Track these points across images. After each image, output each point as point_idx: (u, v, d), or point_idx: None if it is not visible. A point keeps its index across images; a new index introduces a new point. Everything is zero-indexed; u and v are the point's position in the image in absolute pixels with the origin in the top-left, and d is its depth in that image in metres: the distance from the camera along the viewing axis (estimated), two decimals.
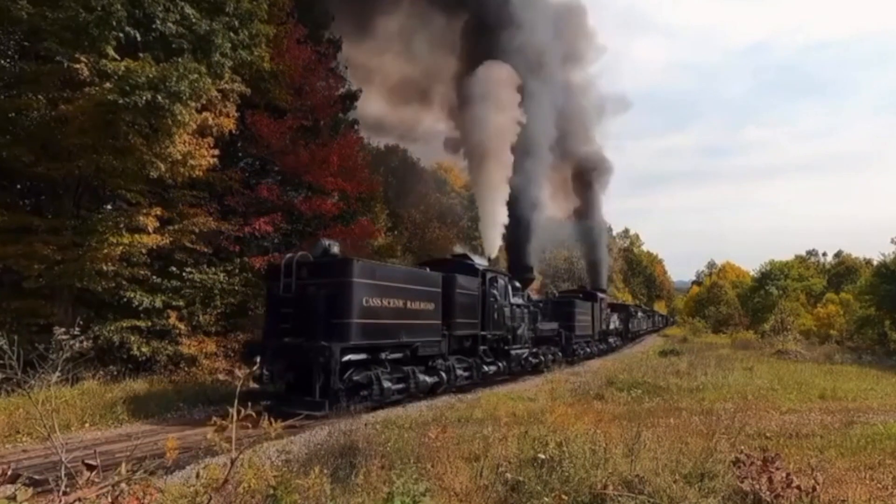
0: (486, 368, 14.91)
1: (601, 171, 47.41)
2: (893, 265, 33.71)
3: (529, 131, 24.61)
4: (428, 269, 13.12)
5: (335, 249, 10.86)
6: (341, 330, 9.89)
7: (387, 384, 10.86)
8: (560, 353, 21.26)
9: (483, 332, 14.58)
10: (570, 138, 40.12)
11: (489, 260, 19.82)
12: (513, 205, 23.91)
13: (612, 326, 32.37)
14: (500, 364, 15.75)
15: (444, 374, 12.84)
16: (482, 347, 14.66)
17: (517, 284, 18.14)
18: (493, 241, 22.45)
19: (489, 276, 15.30)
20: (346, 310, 9.95)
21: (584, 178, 46.57)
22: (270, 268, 11.69)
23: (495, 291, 15.41)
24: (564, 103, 34.06)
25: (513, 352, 16.51)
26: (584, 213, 47.29)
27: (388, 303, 10.81)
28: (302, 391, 10.06)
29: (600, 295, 29.94)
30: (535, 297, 24.42)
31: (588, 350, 25.90)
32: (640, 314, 49.47)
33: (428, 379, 12.28)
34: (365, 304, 10.21)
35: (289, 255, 11.01)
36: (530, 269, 26.03)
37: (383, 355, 10.84)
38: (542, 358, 19.37)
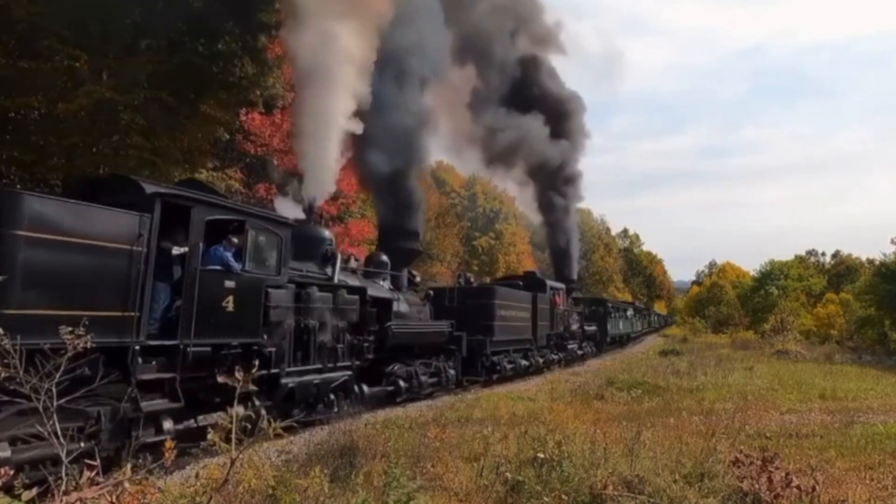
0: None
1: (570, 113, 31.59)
2: (893, 265, 33.72)
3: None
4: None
5: None
6: None
7: None
8: (453, 372, 13.07)
9: (140, 340, 5.78)
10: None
11: (308, 210, 10.69)
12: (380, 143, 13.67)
13: (574, 328, 23.87)
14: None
15: None
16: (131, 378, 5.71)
17: (381, 260, 11.90)
18: (322, 180, 11.17)
19: (199, 214, 6.54)
20: None
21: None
22: None
23: (223, 251, 6.93)
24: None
25: (286, 381, 7.89)
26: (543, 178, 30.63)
27: None
28: None
29: (553, 284, 21.20)
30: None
31: (524, 363, 17.33)
32: (630, 312, 39.45)
33: None
34: None
35: None
36: (415, 235, 15.19)
37: None
38: (402, 383, 11.07)
